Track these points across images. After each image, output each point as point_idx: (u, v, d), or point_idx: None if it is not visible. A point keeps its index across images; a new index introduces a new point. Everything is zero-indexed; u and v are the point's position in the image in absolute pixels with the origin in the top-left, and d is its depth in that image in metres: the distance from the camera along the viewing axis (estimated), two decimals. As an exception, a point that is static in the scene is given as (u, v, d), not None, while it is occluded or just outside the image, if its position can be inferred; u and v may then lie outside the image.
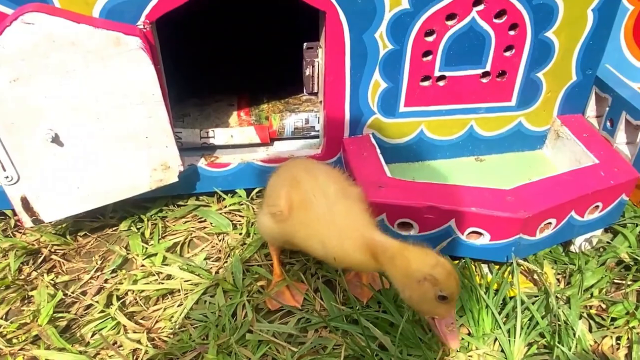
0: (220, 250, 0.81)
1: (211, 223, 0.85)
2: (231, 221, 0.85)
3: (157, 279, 0.76)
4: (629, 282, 0.76)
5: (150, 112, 0.72)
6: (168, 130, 0.75)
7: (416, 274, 0.56)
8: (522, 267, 0.78)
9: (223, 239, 0.83)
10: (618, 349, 0.69)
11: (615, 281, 0.78)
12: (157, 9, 0.69)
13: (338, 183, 0.65)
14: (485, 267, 0.78)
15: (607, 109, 0.91)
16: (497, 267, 0.78)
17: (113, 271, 0.78)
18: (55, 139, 0.70)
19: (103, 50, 0.66)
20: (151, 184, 0.78)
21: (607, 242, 0.81)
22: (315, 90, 0.84)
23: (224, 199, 0.88)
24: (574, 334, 0.68)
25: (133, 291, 0.74)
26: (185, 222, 0.86)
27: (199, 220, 0.86)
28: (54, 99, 0.67)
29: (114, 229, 0.85)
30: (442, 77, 0.81)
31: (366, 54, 0.77)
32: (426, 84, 0.81)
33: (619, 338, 0.70)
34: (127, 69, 0.68)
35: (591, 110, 0.97)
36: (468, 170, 0.89)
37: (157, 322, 0.71)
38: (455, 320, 0.59)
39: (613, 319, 0.72)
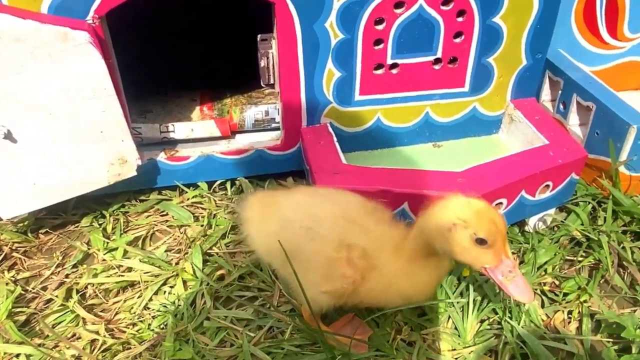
0: (181, 243, 0.82)
1: (173, 216, 0.86)
2: (193, 214, 0.86)
3: (117, 272, 0.76)
4: (580, 259, 0.78)
5: (103, 107, 0.73)
6: (123, 125, 0.75)
7: (446, 222, 0.52)
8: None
9: (184, 231, 0.83)
10: (569, 322, 0.71)
11: (568, 258, 0.79)
12: (105, 3, 0.70)
13: (373, 214, 0.60)
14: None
15: (560, 92, 0.93)
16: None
17: (74, 266, 0.78)
18: (8, 136, 0.70)
19: (51, 46, 0.66)
20: (109, 178, 0.79)
21: (561, 221, 0.83)
22: (272, 82, 0.85)
23: (186, 192, 0.88)
24: (526, 310, 0.70)
25: (93, 284, 0.75)
26: (148, 216, 0.87)
27: (161, 213, 0.87)
28: (3, 96, 0.68)
29: (75, 225, 0.85)
30: (394, 65, 0.82)
31: (318, 44, 0.78)
32: (379, 72, 0.83)
33: (570, 312, 0.72)
34: (77, 63, 0.68)
35: (546, 94, 0.99)
36: (426, 156, 0.90)
37: (116, 313, 0.72)
38: (514, 266, 0.53)
39: (565, 294, 0.74)
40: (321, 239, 0.58)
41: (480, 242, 0.52)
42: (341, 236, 0.57)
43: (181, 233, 0.83)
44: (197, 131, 0.90)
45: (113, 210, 0.87)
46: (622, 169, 0.83)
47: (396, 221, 0.62)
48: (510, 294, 0.53)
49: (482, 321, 0.70)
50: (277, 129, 0.94)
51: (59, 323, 0.70)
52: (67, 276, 0.77)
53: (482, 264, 0.53)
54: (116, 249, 0.80)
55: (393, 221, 0.61)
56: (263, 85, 0.87)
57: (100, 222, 0.85)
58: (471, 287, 0.72)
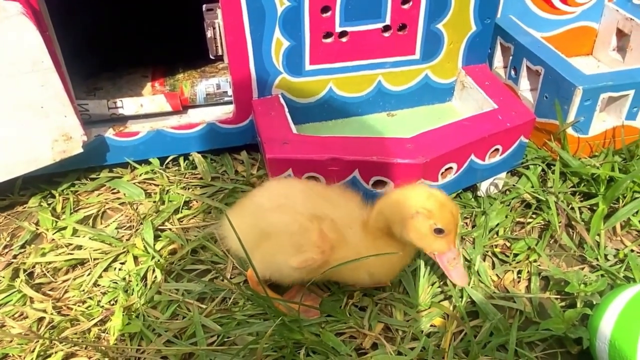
0: (132, 219, 0.80)
1: (124, 194, 0.84)
2: (145, 190, 0.85)
3: (66, 251, 0.75)
4: (530, 220, 0.79)
5: (42, 81, 0.71)
6: (65, 100, 0.73)
7: (408, 209, 0.56)
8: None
9: (136, 208, 0.82)
10: (519, 282, 0.73)
11: (519, 220, 0.81)
12: (38, -27, 0.67)
13: (342, 194, 0.64)
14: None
15: (510, 57, 0.94)
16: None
17: (22, 247, 0.76)
18: (-58, 113, 0.68)
19: (-19, 17, 0.64)
20: (54, 155, 0.77)
21: (513, 185, 0.84)
22: (220, 53, 0.83)
23: (137, 168, 0.87)
24: (477, 271, 0.71)
25: (41, 264, 0.73)
26: (98, 194, 0.85)
27: (112, 191, 0.86)
28: None
29: (23, 206, 0.83)
30: (344, 33, 0.82)
31: (264, 12, 0.77)
32: (329, 40, 0.82)
33: (520, 272, 0.73)
34: (10, 36, 0.66)
35: (498, 61, 0.99)
36: (380, 125, 0.90)
37: (65, 292, 0.70)
38: (458, 254, 0.59)
39: (515, 255, 0.76)
40: (293, 212, 0.60)
41: (438, 231, 0.57)
42: (312, 209, 0.60)
43: (133, 210, 0.82)
44: (146, 106, 0.88)
45: (62, 190, 0.85)
46: (570, 131, 0.84)
47: (365, 203, 0.65)
48: (451, 277, 0.59)
49: (432, 284, 0.70)
50: (230, 102, 0.92)
51: (6, 303, 0.69)
52: (14, 257, 0.75)
53: (433, 250, 0.59)
54: (65, 228, 0.78)
55: (362, 202, 0.65)
56: (212, 57, 0.86)
57: (49, 202, 0.83)
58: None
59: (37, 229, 0.79)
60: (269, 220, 0.61)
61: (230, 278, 0.71)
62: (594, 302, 0.65)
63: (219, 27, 0.80)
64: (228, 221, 0.60)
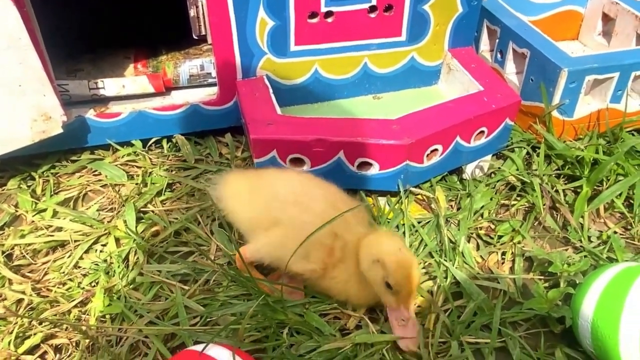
0: (114, 202, 0.79)
1: (106, 176, 0.83)
2: (127, 172, 0.83)
3: (46, 233, 0.74)
4: (514, 202, 0.79)
5: (20, 58, 0.69)
6: (43, 78, 0.72)
7: (371, 254, 0.58)
8: (418, 195, 0.80)
9: (118, 190, 0.81)
10: (503, 263, 0.73)
11: (504, 203, 0.81)
12: (14, -54, 0.65)
13: (356, 214, 0.64)
14: (383, 200, 0.79)
15: (497, 40, 0.93)
16: (394, 198, 0.79)
17: (0, 229, 0.75)
18: None
19: (-45, -9, 0.62)
20: (33, 136, 0.75)
21: (498, 168, 0.84)
22: (203, 33, 0.82)
23: (119, 150, 0.85)
24: (462, 253, 0.71)
25: (20, 246, 0.72)
26: (79, 176, 0.84)
27: (94, 173, 0.84)
28: None
29: (2, 188, 0.82)
30: (329, 13, 0.81)
31: (248, -9, 0.76)
32: (314, 20, 0.81)
33: (504, 253, 0.74)
34: (-14, 11, 0.64)
35: (484, 44, 0.99)
36: (366, 108, 0.89)
37: (45, 274, 0.69)
38: (410, 317, 0.59)
39: (500, 237, 0.76)
40: (314, 216, 0.61)
41: (388, 285, 0.58)
42: (330, 224, 0.60)
43: (115, 192, 0.81)
44: (128, 87, 0.86)
45: (42, 172, 0.83)
46: (555, 113, 0.84)
47: (371, 226, 0.68)
48: (395, 333, 0.60)
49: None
50: (214, 84, 0.91)
51: (-17, 286, 0.67)
52: (-7, 239, 0.74)
53: (384, 300, 0.60)
54: (45, 210, 0.77)
55: (369, 226, 0.67)
56: (195, 37, 0.84)
57: (29, 184, 0.82)
58: (407, 232, 0.73)
59: (17, 210, 0.77)
60: (288, 214, 0.62)
61: (214, 260, 0.70)
62: (577, 282, 0.65)
63: (202, 5, 0.79)
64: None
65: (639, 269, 0.58)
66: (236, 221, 0.67)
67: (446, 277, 0.68)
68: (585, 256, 0.72)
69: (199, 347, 0.51)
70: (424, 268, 0.70)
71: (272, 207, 0.63)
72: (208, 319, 0.63)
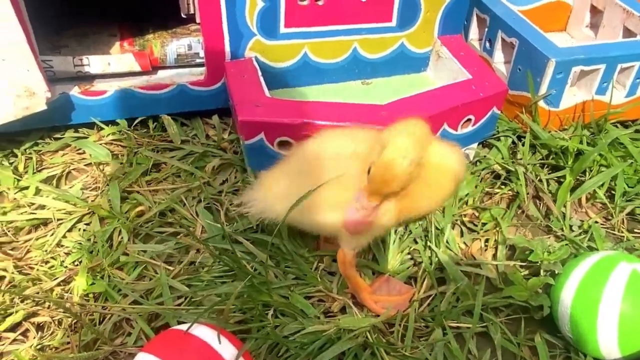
0: (98, 181, 0.78)
1: (90, 154, 0.82)
2: (111, 152, 0.82)
3: (28, 210, 0.73)
4: (498, 190, 0.80)
5: (3, 32, 0.67)
6: (27, 53, 0.70)
7: (383, 137, 0.54)
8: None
9: (102, 169, 0.80)
10: (486, 250, 0.74)
11: (489, 191, 0.82)
12: None
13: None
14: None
15: (486, 29, 0.94)
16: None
17: (-19, 205, 0.74)
18: None
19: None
20: (16, 112, 0.74)
21: (484, 156, 0.85)
22: (192, 12, 0.81)
23: (103, 129, 0.84)
24: (445, 240, 0.72)
25: (2, 223, 0.71)
26: (63, 154, 0.82)
27: (77, 152, 0.83)
28: None
29: (-17, 164, 0.80)
30: (320, -4, 0.80)
31: (238, -30, 0.75)
32: (305, 3, 0.80)
33: (487, 241, 0.75)
34: (-32, -19, 0.63)
35: (474, 33, 0.99)
36: (355, 93, 0.89)
37: (27, 252, 0.68)
38: (367, 207, 0.54)
39: (484, 224, 0.77)
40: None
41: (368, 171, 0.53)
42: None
43: (99, 171, 0.80)
44: (114, 65, 0.85)
45: (25, 149, 0.82)
46: (541, 104, 0.85)
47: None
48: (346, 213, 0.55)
49: (402, 251, 0.71)
50: (201, 65, 0.90)
51: (-36, 263, 0.66)
52: (-27, 216, 0.73)
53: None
54: (28, 187, 0.76)
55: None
56: (183, 16, 0.83)
57: (11, 161, 0.80)
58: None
59: (-2, 188, 0.76)
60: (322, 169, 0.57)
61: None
62: (556, 271, 0.66)
63: (192, -16, 0.78)
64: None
65: (617, 258, 0.60)
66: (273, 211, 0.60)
67: (431, 263, 0.69)
68: (565, 244, 0.73)
69: (183, 327, 0.51)
70: (408, 254, 0.71)
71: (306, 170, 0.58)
72: (192, 300, 0.63)
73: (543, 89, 0.83)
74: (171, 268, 0.67)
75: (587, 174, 0.81)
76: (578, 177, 0.81)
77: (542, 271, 0.68)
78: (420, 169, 0.54)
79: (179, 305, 0.62)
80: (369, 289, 0.64)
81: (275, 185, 0.60)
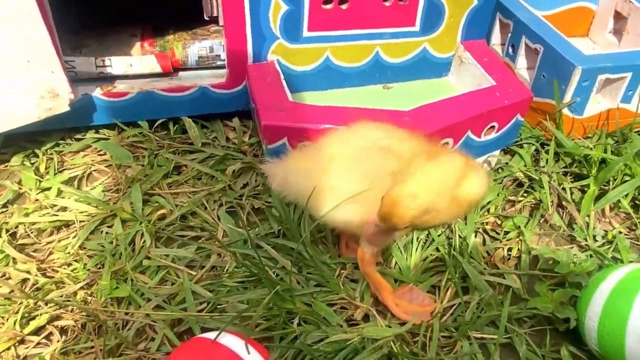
0: (119, 182, 0.78)
1: (111, 156, 0.82)
2: (133, 153, 0.82)
3: (50, 212, 0.73)
4: (521, 198, 0.79)
5: (29, 34, 0.67)
6: (52, 54, 0.70)
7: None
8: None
9: (124, 171, 0.80)
10: (509, 259, 0.73)
11: (511, 199, 0.81)
12: None
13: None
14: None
15: (509, 34, 0.93)
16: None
17: (4, 206, 0.74)
18: None
19: (-35, -40, 0.60)
20: (39, 113, 0.74)
21: (506, 163, 0.84)
22: (215, 14, 0.81)
23: (125, 130, 0.84)
24: (468, 247, 0.71)
25: (24, 224, 0.71)
26: (84, 155, 0.82)
27: (99, 153, 0.83)
28: None
29: (5, 164, 0.80)
30: (344, 0, 0.79)
31: (263, -27, 0.74)
32: (328, 6, 0.79)
33: (510, 249, 0.74)
34: (-4, -18, 0.62)
35: (496, 37, 0.98)
36: (376, 97, 0.89)
37: (50, 254, 0.68)
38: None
39: (506, 233, 0.76)
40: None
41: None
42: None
43: (120, 173, 0.79)
44: (136, 66, 0.85)
45: (46, 150, 0.82)
46: (565, 111, 0.84)
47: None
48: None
49: (425, 259, 0.70)
50: (222, 67, 0.90)
51: (-13, 264, 0.67)
52: (-4, 216, 0.73)
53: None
54: (49, 188, 0.76)
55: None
56: (206, 19, 0.83)
57: (32, 162, 0.80)
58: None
59: (20, 188, 0.76)
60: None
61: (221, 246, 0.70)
62: (582, 283, 0.65)
63: (216, -14, 0.77)
64: None
65: (647, 271, 0.59)
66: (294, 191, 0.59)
67: (456, 272, 0.68)
68: (591, 255, 0.72)
69: (209, 335, 0.50)
70: (431, 262, 0.70)
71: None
72: (216, 306, 0.63)
73: (568, 97, 0.82)
74: (193, 273, 0.66)
75: (611, 183, 0.80)
76: (601, 187, 0.80)
77: (567, 282, 0.67)
78: (436, 208, 0.52)
79: (202, 310, 0.62)
80: (390, 288, 0.63)
81: (302, 164, 0.59)
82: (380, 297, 0.64)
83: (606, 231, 0.76)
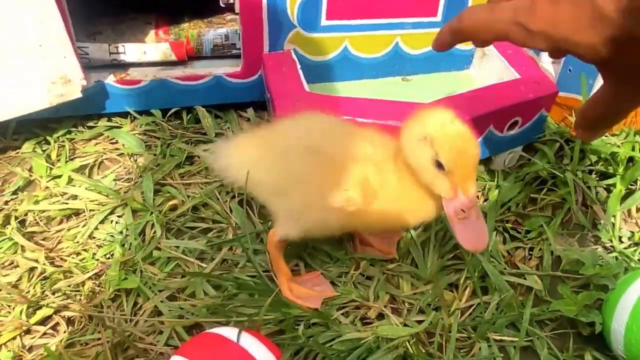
0: (131, 172, 0.77)
1: (123, 144, 0.80)
2: (145, 142, 0.81)
3: (60, 200, 0.71)
4: (544, 197, 0.77)
5: (41, 17, 0.66)
6: (65, 39, 0.69)
7: (416, 133, 0.49)
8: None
9: (135, 160, 0.78)
10: (530, 259, 0.70)
11: (533, 196, 0.78)
12: None
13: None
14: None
15: (534, 27, 0.89)
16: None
17: (14, 193, 0.73)
18: None
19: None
20: (51, 99, 0.72)
21: (528, 159, 0.81)
22: (231, 1, 0.79)
23: (137, 119, 0.83)
24: (489, 247, 0.69)
25: (34, 212, 0.70)
26: (96, 143, 0.81)
27: (110, 141, 0.82)
28: None
29: (16, 151, 0.79)
30: (364, -12, 0.77)
31: (281, -41, 0.72)
32: (348, -6, 0.77)
33: (531, 249, 0.71)
34: (9, -37, 0.61)
35: (520, 30, 0.95)
36: (394, 89, 0.86)
37: (59, 242, 0.67)
38: (472, 206, 0.48)
39: (527, 232, 0.73)
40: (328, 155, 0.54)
41: (439, 165, 0.48)
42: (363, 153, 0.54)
43: (132, 162, 0.78)
44: (150, 54, 0.83)
45: (58, 137, 0.81)
46: (592, 107, 0.80)
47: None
48: (454, 234, 0.49)
49: (442, 256, 0.68)
50: (238, 56, 0.88)
51: (-4, 250, 0.65)
52: (6, 203, 0.72)
53: (437, 190, 0.50)
54: (60, 176, 0.75)
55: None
56: (222, 5, 0.81)
57: (43, 149, 0.79)
58: (433, 222, 0.70)
59: (31, 175, 0.75)
60: (301, 163, 0.54)
61: (232, 237, 0.68)
62: (609, 286, 0.63)
63: (232, -28, 0.75)
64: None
65: (678, 276, 0.56)
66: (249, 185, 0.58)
67: (475, 271, 0.65)
68: (616, 258, 0.69)
69: (218, 330, 0.49)
70: (449, 260, 0.67)
71: (288, 163, 0.55)
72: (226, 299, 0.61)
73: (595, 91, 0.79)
74: (204, 265, 0.65)
75: (639, 182, 0.77)
76: (628, 186, 0.77)
77: (592, 284, 0.64)
78: None
79: (212, 304, 0.60)
80: (288, 274, 0.61)
81: (244, 150, 0.59)
82: (277, 281, 0.62)
83: (632, 232, 0.73)
